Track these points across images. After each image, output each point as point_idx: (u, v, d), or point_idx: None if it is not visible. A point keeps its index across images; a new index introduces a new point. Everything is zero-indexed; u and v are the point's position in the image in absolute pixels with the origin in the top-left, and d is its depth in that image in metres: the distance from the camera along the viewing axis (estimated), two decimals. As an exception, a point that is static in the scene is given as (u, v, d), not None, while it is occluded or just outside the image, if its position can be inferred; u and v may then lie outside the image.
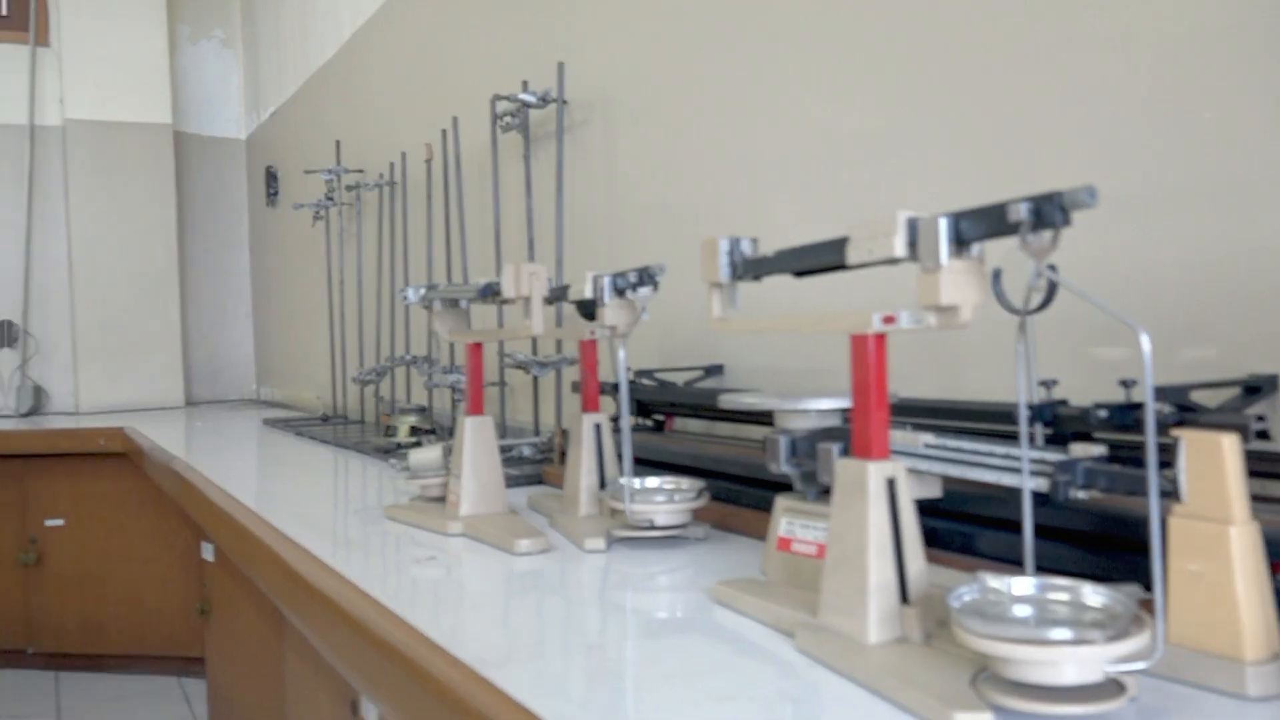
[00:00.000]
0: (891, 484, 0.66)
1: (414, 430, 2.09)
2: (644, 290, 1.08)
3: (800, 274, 0.79)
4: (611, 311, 1.11)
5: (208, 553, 2.64)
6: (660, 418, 1.52)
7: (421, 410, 2.16)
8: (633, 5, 1.61)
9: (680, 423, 1.54)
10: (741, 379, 1.42)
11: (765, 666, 0.67)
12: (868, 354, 0.66)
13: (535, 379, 1.89)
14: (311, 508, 1.43)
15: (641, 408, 1.50)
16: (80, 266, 3.81)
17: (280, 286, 3.87)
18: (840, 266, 0.68)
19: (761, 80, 1.35)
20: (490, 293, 1.12)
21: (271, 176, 3.87)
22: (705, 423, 1.49)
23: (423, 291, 1.61)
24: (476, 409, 1.21)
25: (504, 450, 1.73)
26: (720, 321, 0.83)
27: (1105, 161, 0.93)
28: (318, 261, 3.30)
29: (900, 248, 0.60)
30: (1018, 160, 1.02)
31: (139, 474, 3.08)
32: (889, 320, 0.64)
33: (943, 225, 0.58)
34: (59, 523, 3.17)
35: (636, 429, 1.49)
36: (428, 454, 1.32)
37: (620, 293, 1.12)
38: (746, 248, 0.82)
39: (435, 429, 2.11)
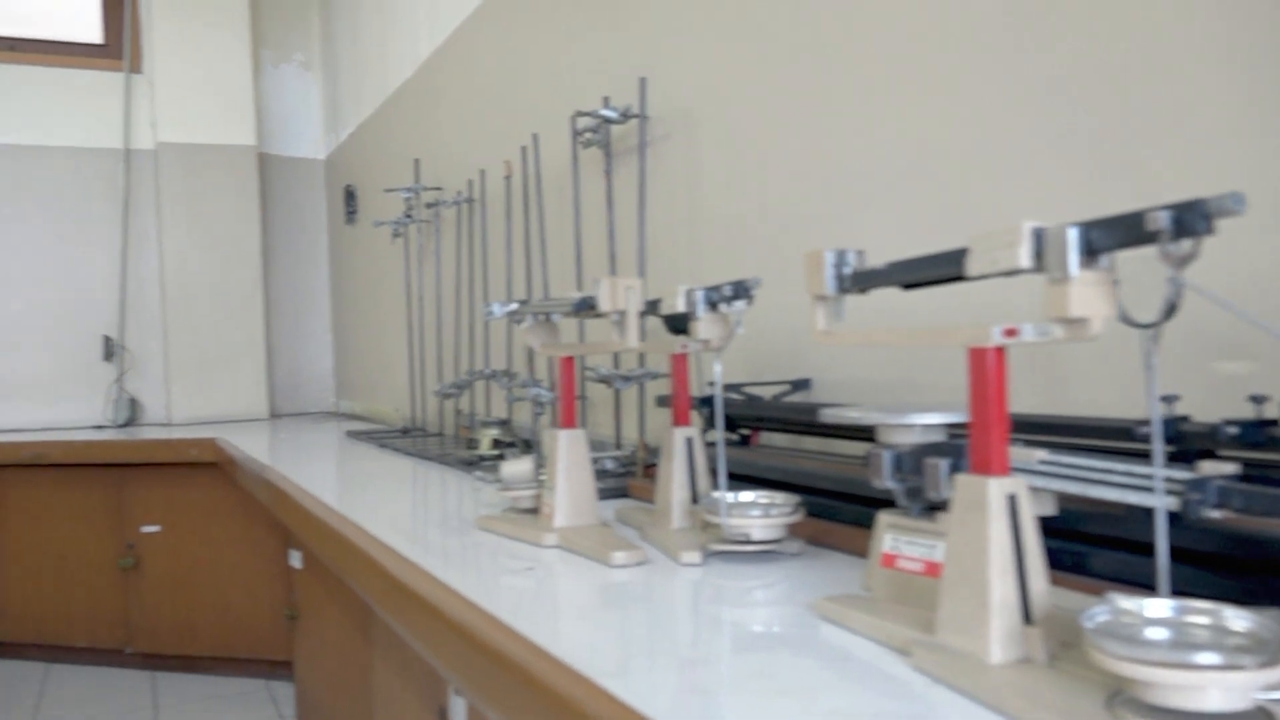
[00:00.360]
0: (1013, 500, 0.65)
1: (496, 443, 2.12)
2: (739, 304, 1.08)
3: (908, 287, 0.78)
4: (705, 325, 1.11)
5: (295, 560, 2.70)
6: (746, 432, 1.52)
7: (503, 423, 2.18)
8: (714, 19, 1.61)
9: (765, 437, 1.53)
10: (829, 393, 1.41)
11: (882, 685, 0.67)
12: (987, 368, 0.65)
13: (617, 393, 1.90)
14: (403, 518, 1.46)
15: (728, 422, 1.50)
16: (171, 284, 3.94)
17: (358, 302, 3.95)
18: (957, 278, 0.67)
19: (848, 91, 1.35)
20: (585, 307, 1.13)
21: (350, 195, 3.95)
22: (792, 437, 1.48)
23: (509, 307, 1.63)
24: (569, 422, 1.22)
25: (588, 463, 1.74)
26: (825, 335, 0.83)
27: (1228, 170, 0.91)
28: (396, 278, 3.36)
29: (1025, 258, 0.59)
30: (1120, 172, 1.00)
31: (229, 483, 3.16)
32: (1011, 333, 0.63)
33: (1072, 235, 0.57)
34: (155, 529, 3.27)
35: (729, 444, 1.49)
36: (519, 466, 1.34)
37: (713, 306, 1.12)
38: (853, 260, 0.81)
39: (516, 442, 2.13)
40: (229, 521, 3.19)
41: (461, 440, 2.54)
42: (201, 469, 3.19)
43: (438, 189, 2.89)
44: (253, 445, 2.82)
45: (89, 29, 4.08)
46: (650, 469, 1.66)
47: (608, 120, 1.80)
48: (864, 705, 0.63)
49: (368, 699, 2.21)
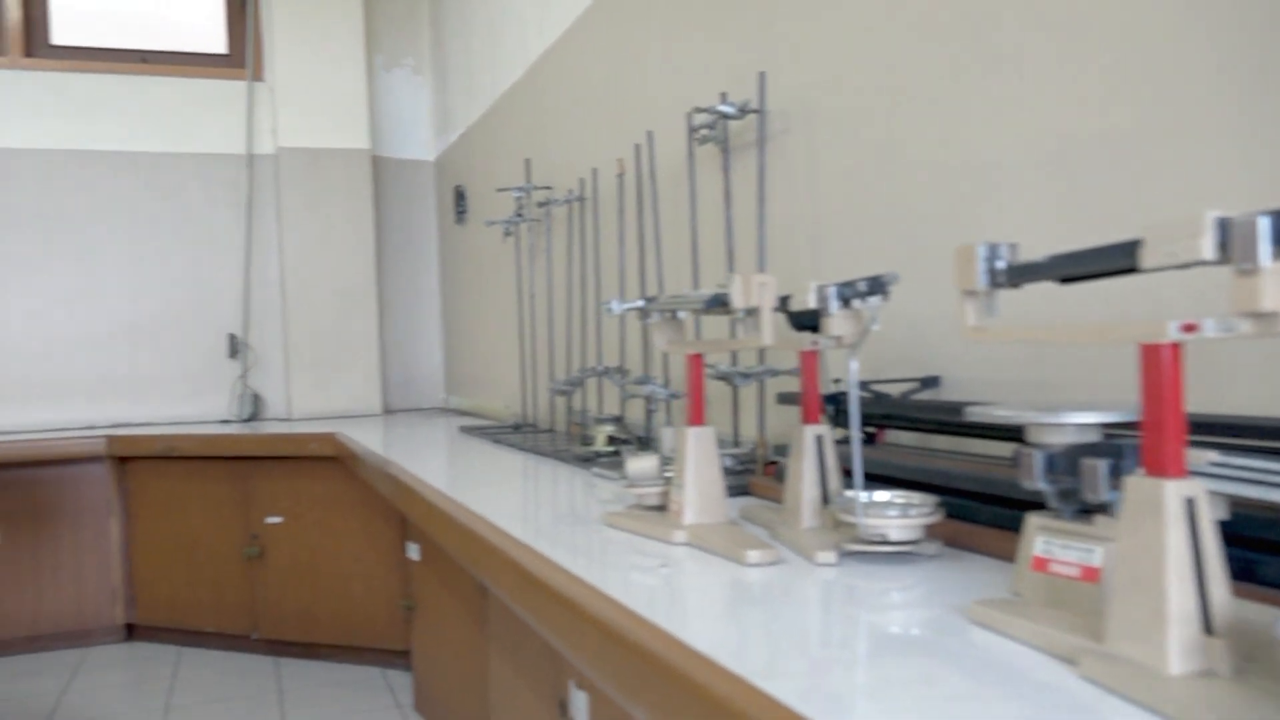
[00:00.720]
0: (1190, 504, 0.62)
1: (611, 439, 2.13)
2: (874, 300, 1.06)
3: (1066, 281, 0.76)
4: (838, 322, 1.10)
5: (413, 552, 2.77)
6: (871, 430, 1.49)
7: (617, 420, 2.19)
8: (836, 8, 1.59)
9: (890, 435, 1.50)
10: (959, 392, 1.38)
11: (1049, 694, 0.64)
12: (1162, 365, 0.62)
13: (735, 390, 1.89)
14: (527, 513, 1.48)
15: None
16: (291, 283, 4.09)
17: (468, 300, 4.02)
18: (1127, 271, 0.65)
19: (980, 77, 1.31)
20: (717, 304, 1.13)
21: (460, 196, 4.03)
22: (919, 435, 1.45)
23: (630, 304, 1.64)
24: (698, 419, 1.22)
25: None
26: (976, 331, 0.81)
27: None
28: (506, 276, 3.41)
29: (1209, 250, 0.57)
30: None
31: (348, 476, 3.26)
32: (1189, 329, 0.60)
33: (1264, 225, 0.54)
34: (278, 520, 3.39)
35: (848, 441, 1.47)
36: (645, 463, 1.34)
37: (846, 302, 1.10)
38: (1005, 253, 0.79)
39: (631, 438, 2.14)
40: (348, 514, 3.29)
41: (574, 436, 2.57)
42: (322, 463, 3.29)
43: (548, 188, 2.92)
44: (370, 440, 2.90)
45: (214, 40, 4.26)
46: (770, 466, 1.64)
47: (725, 116, 1.79)
48: (1033, 715, 0.61)
49: (484, 690, 2.25)
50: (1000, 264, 0.78)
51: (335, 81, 4.16)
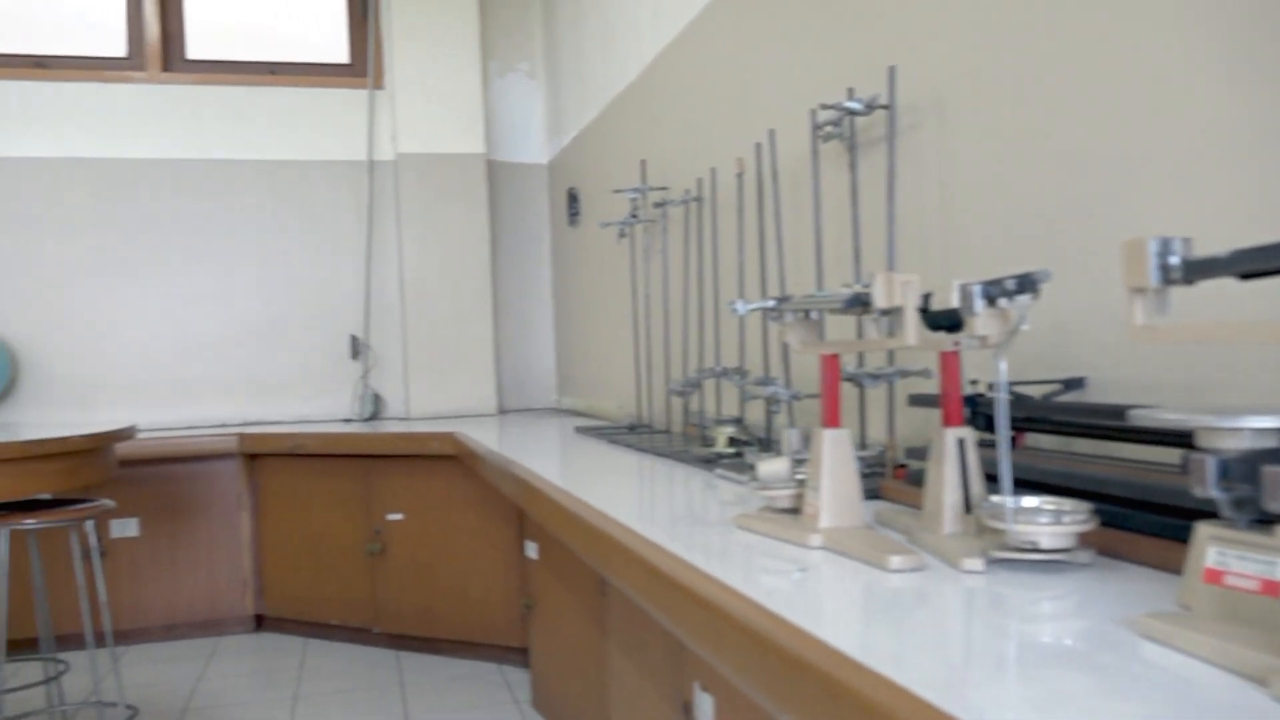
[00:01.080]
0: (1403, 516, 0.58)
1: (732, 441, 2.12)
2: (1023, 298, 1.03)
3: (1246, 277, 0.71)
4: (983, 321, 1.06)
5: (531, 551, 2.80)
6: (1010, 433, 1.45)
7: (737, 421, 2.18)
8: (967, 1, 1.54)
9: (1029, 438, 1.45)
10: (1107, 393, 1.32)
11: (1240, 718, 0.61)
12: (1371, 367, 0.58)
13: (861, 391, 1.86)
14: (651, 513, 1.48)
15: (990, 423, 1.43)
16: (409, 286, 4.19)
17: (581, 302, 4.06)
18: (1328, 268, 0.61)
19: (1128, 66, 1.25)
20: (858, 304, 1.10)
21: (573, 198, 4.07)
22: (1062, 439, 1.39)
23: (756, 304, 1.62)
24: (833, 421, 1.20)
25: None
26: (1146, 331, 0.77)
27: None
28: (620, 277, 3.43)
29: None
30: None
31: (466, 475, 3.32)
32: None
33: None
34: (399, 517, 3.48)
35: (986, 445, 1.42)
36: (776, 465, 1.33)
37: (991, 301, 1.06)
38: (1179, 248, 0.75)
39: (752, 440, 2.12)
40: (466, 512, 3.35)
41: (691, 437, 2.56)
42: (440, 461, 3.37)
43: (663, 189, 2.93)
44: (487, 439, 2.95)
45: (337, 51, 4.40)
46: (900, 470, 1.61)
47: (852, 112, 1.76)
48: (1227, 735, 0.57)
49: (603, 689, 2.26)
50: (1173, 259, 0.74)
51: (452, 88, 4.26)
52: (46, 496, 2.67)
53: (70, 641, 3.57)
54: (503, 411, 4.37)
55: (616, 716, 2.14)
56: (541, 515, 1.91)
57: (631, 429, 2.95)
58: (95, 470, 2.45)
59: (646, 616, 1.91)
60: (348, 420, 4.17)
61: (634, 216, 3.04)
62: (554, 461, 2.34)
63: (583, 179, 3.98)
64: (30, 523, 2.39)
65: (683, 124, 2.85)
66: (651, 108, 3.11)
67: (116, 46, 4.18)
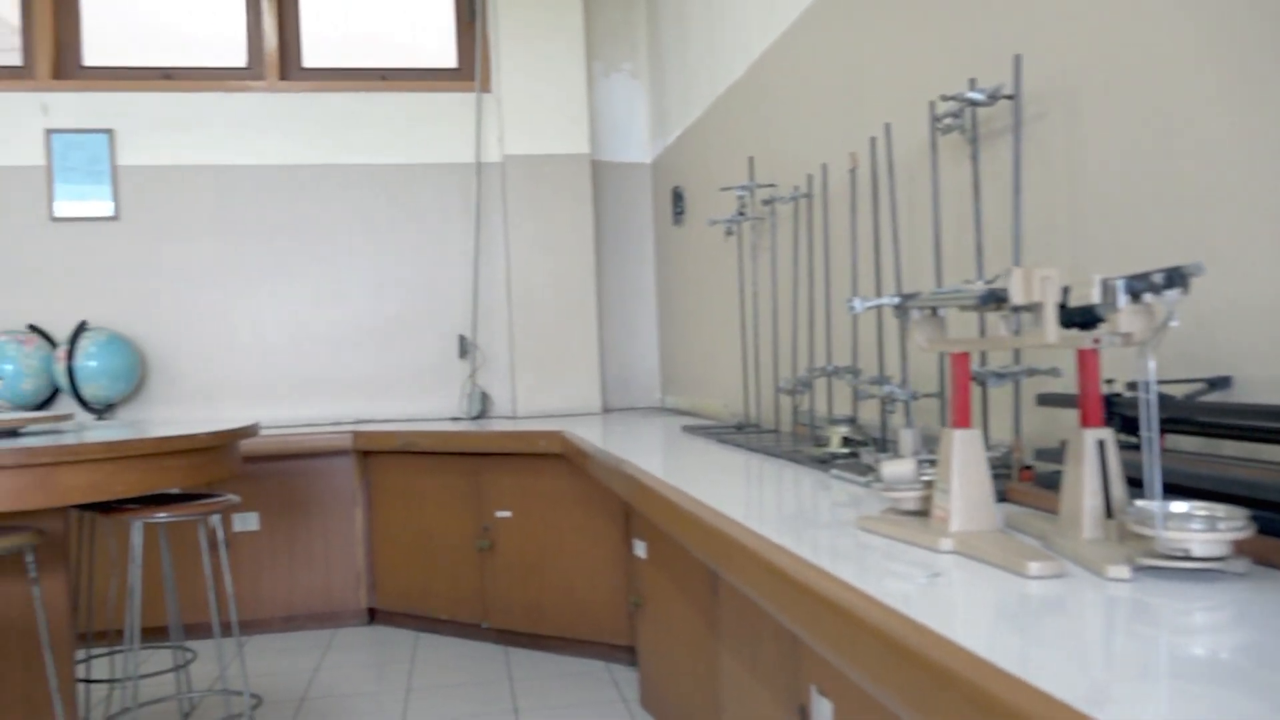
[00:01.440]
0: None
1: (846, 441, 2.08)
2: (1171, 293, 0.97)
3: None
4: (1126, 317, 1.01)
5: (640, 550, 2.81)
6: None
7: (851, 421, 2.14)
8: (1105, -16, 1.48)
9: (1170, 440, 1.38)
10: (1255, 393, 1.25)
11: None
12: None
13: (984, 390, 1.80)
14: (771, 514, 1.45)
15: (1127, 424, 1.37)
16: (516, 286, 4.25)
17: (685, 300, 4.05)
18: None
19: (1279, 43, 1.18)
20: (993, 300, 1.07)
21: (678, 196, 4.06)
22: (1204, 441, 1.32)
23: (875, 301, 1.59)
24: (963, 421, 1.16)
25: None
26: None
27: None
28: (726, 275, 3.40)
29: None
30: None
31: (573, 473, 3.35)
32: None
33: None
34: (507, 514, 3.53)
35: (1125, 447, 1.36)
36: (901, 466, 1.29)
37: (1135, 296, 1.01)
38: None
39: (868, 440, 2.08)
40: (573, 510, 3.38)
41: (800, 437, 2.53)
42: (548, 459, 3.40)
43: (772, 185, 2.90)
44: (594, 438, 2.96)
45: (445, 55, 4.49)
46: (1027, 472, 1.55)
47: (974, 103, 1.71)
48: None
49: (714, 689, 2.24)
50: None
51: (557, 90, 4.30)
52: (175, 491, 2.78)
53: (196, 631, 3.72)
54: (606, 410, 4.39)
55: (728, 718, 2.12)
56: (654, 513, 1.91)
57: (739, 428, 2.93)
58: (222, 466, 2.54)
59: (760, 617, 1.89)
60: (456, 419, 4.24)
61: (741, 214, 3.02)
62: (664, 460, 2.34)
63: (687, 177, 3.97)
64: (162, 516, 2.49)
65: (792, 120, 2.81)
66: (759, 104, 3.08)
67: (237, 58, 4.35)
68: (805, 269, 2.62)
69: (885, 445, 2.05)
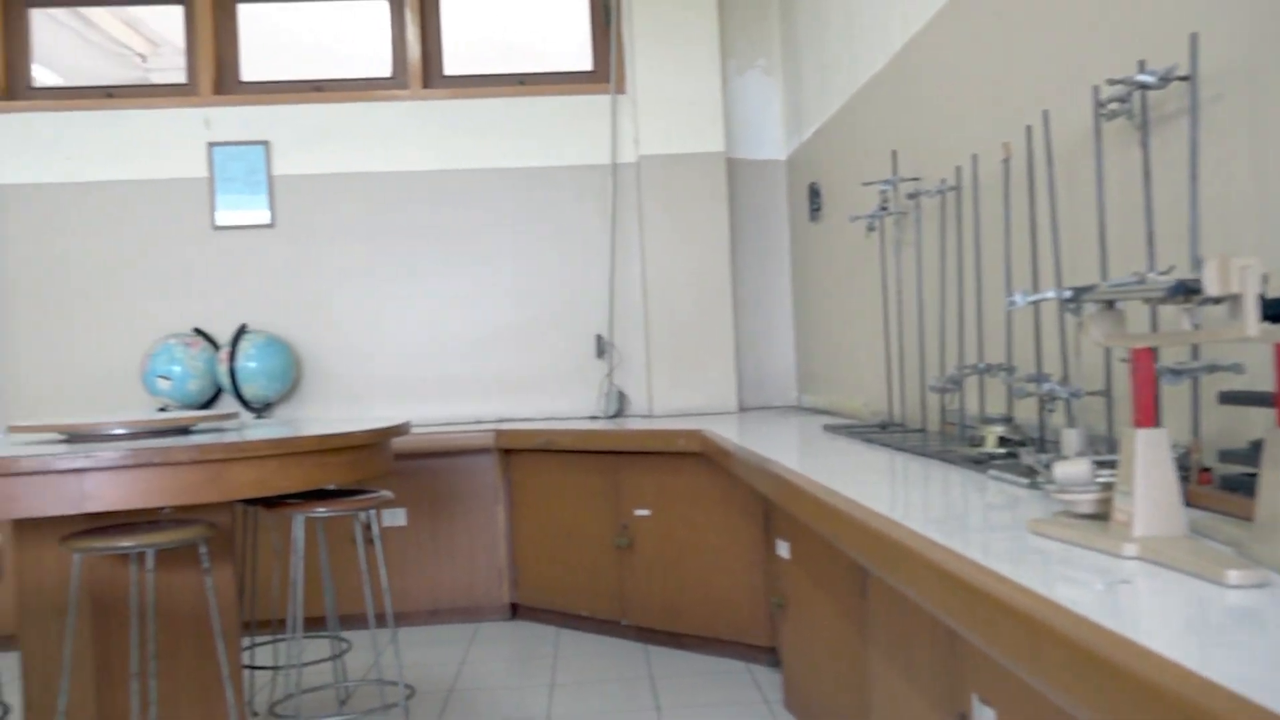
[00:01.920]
0: None
1: (1002, 440, 2.00)
2: (1392, 281, 0.90)
3: None
4: (1337, 309, 0.94)
5: (783, 550, 2.78)
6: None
7: (1008, 420, 2.06)
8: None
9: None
10: None
11: None
12: None
13: (1157, 387, 1.71)
14: (928, 515, 1.41)
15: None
16: (652, 285, 4.27)
17: (823, 298, 3.98)
18: None
19: None
20: (1184, 291, 1.00)
21: (814, 193, 4.00)
22: None
23: (1038, 295, 1.52)
24: (1147, 420, 1.10)
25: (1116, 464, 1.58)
26: None
27: None
28: (867, 272, 3.33)
29: None
30: None
31: (711, 472, 3.34)
32: None
33: None
34: (646, 513, 3.55)
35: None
36: (1075, 468, 1.23)
37: (1347, 286, 0.94)
38: None
39: (1026, 440, 2.00)
40: (711, 509, 3.37)
41: (948, 436, 2.45)
42: (686, 458, 3.40)
43: (916, 179, 2.82)
44: (732, 437, 2.94)
45: (581, 59, 4.54)
46: (1205, 474, 1.46)
47: (1144, 86, 1.62)
48: None
49: (863, 693, 2.20)
50: None
51: (691, 89, 4.30)
52: (332, 487, 2.90)
53: (347, 622, 3.87)
54: (742, 409, 4.36)
55: (879, 724, 2.08)
56: (803, 513, 1.88)
57: (883, 427, 2.86)
58: (376, 463, 2.63)
59: (915, 621, 1.84)
60: (593, 417, 4.29)
61: (884, 209, 2.95)
62: (809, 459, 2.30)
63: (825, 173, 3.91)
64: (322, 511, 2.60)
65: (938, 111, 2.73)
66: (902, 96, 3.01)
67: (382, 68, 4.50)
68: (953, 264, 2.54)
69: (1045, 445, 1.96)
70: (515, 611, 4.07)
